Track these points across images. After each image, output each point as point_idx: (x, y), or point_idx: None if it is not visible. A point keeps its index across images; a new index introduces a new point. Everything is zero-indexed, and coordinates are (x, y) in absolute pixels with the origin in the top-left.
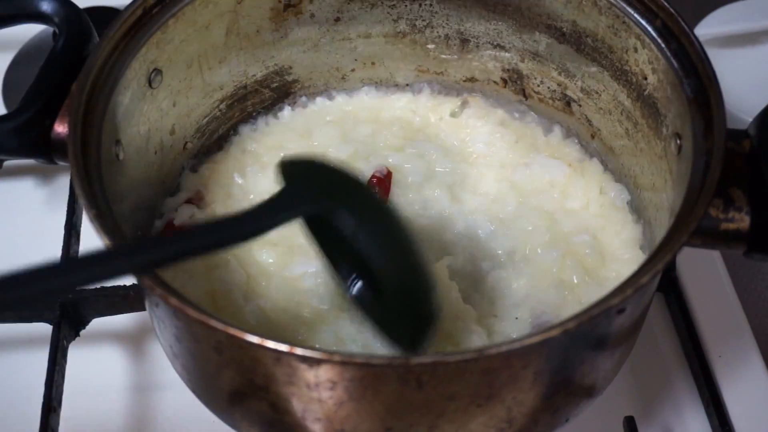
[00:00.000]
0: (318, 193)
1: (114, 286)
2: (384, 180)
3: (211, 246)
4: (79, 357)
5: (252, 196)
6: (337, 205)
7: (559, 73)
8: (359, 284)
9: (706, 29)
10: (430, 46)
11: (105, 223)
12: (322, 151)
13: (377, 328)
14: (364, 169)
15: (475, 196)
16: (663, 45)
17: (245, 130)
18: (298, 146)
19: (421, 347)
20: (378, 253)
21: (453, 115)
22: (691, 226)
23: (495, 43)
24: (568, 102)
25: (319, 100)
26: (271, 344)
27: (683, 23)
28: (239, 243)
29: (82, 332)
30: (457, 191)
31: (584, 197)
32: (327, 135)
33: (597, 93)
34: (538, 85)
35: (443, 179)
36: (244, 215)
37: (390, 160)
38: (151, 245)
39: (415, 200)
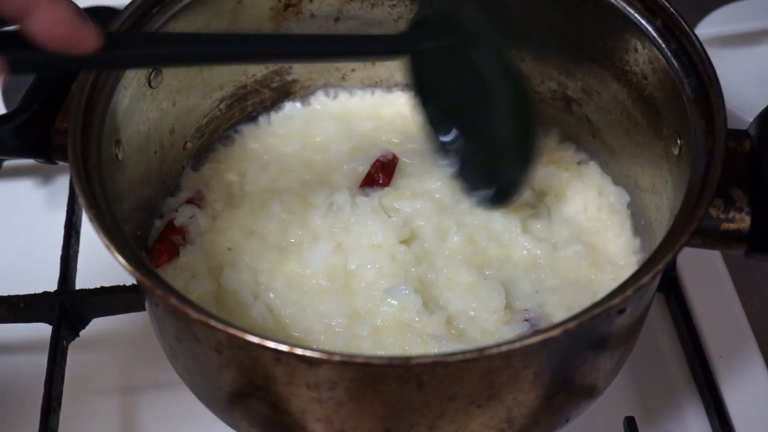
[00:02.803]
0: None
1: (114, 286)
2: (388, 165)
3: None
4: (79, 357)
5: (253, 196)
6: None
7: (560, 73)
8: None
9: (706, 29)
10: None
11: (105, 223)
12: (323, 146)
13: (472, 172)
14: (366, 158)
15: None
16: (663, 45)
17: (246, 129)
18: (299, 144)
19: (517, 192)
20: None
21: None
22: (691, 226)
23: None
24: (568, 102)
25: (319, 99)
26: (271, 344)
27: (683, 23)
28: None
29: (82, 332)
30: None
31: (582, 200)
32: (328, 131)
33: (597, 93)
34: (538, 85)
35: (444, 172)
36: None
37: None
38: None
39: (416, 186)
